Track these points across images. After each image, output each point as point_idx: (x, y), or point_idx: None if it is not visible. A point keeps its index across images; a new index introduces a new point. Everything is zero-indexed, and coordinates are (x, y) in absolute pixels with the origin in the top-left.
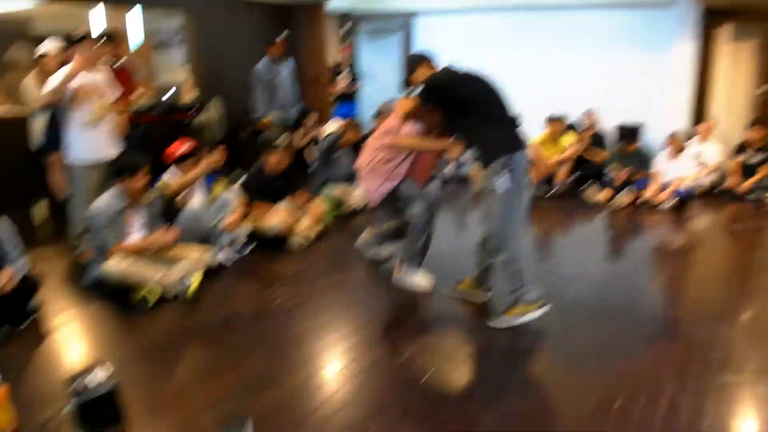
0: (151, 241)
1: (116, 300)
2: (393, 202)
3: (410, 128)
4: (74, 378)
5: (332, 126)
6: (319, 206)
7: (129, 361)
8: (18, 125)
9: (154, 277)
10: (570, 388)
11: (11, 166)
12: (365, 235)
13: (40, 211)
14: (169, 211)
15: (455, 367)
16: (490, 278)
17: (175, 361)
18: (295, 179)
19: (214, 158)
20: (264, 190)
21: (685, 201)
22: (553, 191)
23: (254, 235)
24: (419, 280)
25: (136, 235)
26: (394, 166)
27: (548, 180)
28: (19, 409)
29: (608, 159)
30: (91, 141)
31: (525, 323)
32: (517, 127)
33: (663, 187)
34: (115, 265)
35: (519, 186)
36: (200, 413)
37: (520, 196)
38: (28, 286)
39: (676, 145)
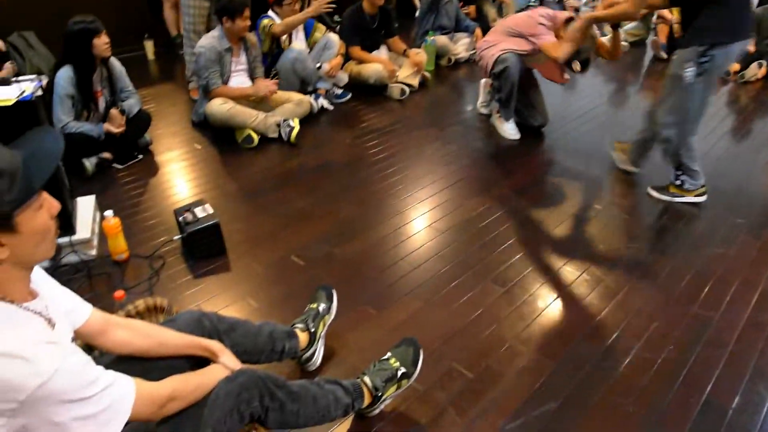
0: (254, 90)
1: (221, 139)
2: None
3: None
4: (181, 211)
5: None
6: (420, 55)
7: (231, 198)
8: None
9: (256, 119)
10: (661, 265)
11: (124, 4)
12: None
13: (150, 49)
14: (272, 52)
15: (544, 235)
16: (640, 153)
17: (272, 202)
18: (391, 23)
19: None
20: (360, 33)
21: None
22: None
23: (353, 82)
24: (509, 129)
25: (238, 77)
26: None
27: (675, 42)
28: (130, 238)
29: None
30: None
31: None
32: (746, 12)
33: None
34: (219, 106)
35: (707, 83)
36: (293, 253)
37: (704, 92)
38: (140, 122)
39: None
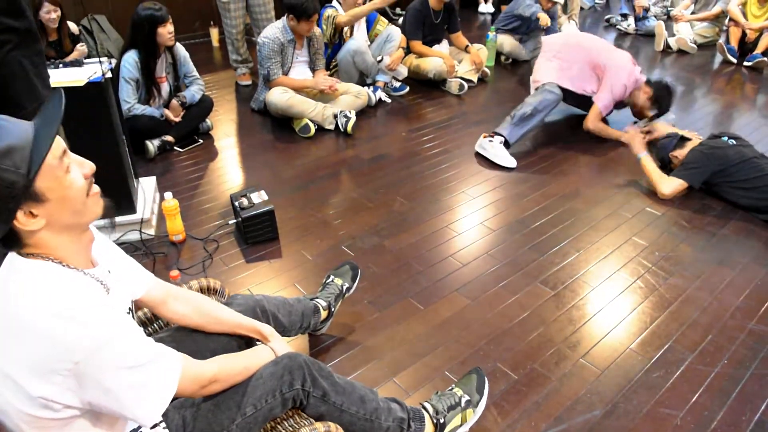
0: (314, 83)
1: (279, 127)
2: None
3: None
4: (237, 196)
5: None
6: (482, 52)
7: (285, 186)
8: None
9: (315, 110)
10: (720, 277)
11: None
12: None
13: (215, 36)
14: (332, 42)
15: (598, 239)
16: None
17: (326, 192)
18: (455, 18)
19: None
20: (424, 27)
21: None
22: (751, 61)
23: (411, 76)
24: (506, 158)
25: (299, 68)
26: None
27: (747, 47)
28: (187, 220)
29: None
30: None
31: None
32: None
33: None
34: (279, 96)
35: None
36: (343, 243)
37: None
38: (203, 108)
39: None
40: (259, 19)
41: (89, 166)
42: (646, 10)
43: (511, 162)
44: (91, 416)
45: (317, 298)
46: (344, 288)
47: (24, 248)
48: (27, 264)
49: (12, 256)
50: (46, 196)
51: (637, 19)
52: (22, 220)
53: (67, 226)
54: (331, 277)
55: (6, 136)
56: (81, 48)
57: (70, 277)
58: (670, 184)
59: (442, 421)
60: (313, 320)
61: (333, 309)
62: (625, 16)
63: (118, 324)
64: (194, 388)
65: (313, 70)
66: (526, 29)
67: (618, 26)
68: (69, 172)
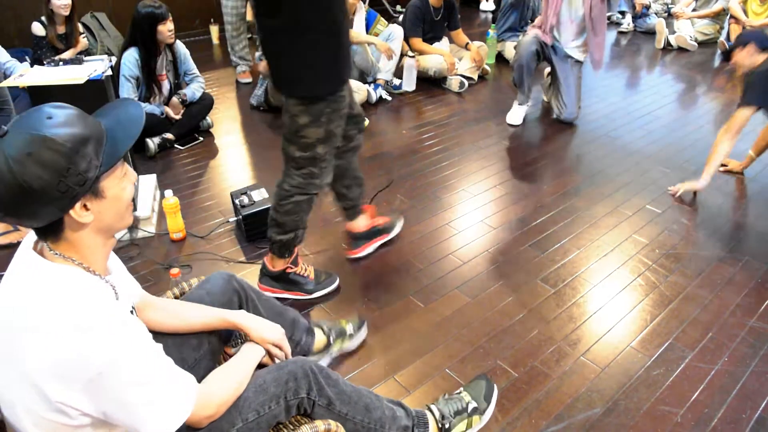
0: None
1: (280, 123)
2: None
3: None
4: (238, 194)
5: None
6: (482, 49)
7: None
8: None
9: None
10: (721, 274)
11: None
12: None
13: (215, 33)
14: None
15: (598, 237)
16: None
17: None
18: (455, 15)
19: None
20: (424, 24)
21: None
22: None
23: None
24: (510, 114)
25: None
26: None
27: None
28: (187, 218)
29: None
30: None
31: None
32: None
33: None
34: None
35: None
36: (343, 241)
37: None
38: (203, 106)
39: None
40: None
41: (135, 177)
42: (647, 7)
43: (512, 121)
44: (102, 426)
45: (318, 324)
46: (348, 330)
47: (56, 241)
48: (51, 267)
49: (32, 255)
50: (104, 194)
51: (636, 17)
52: (77, 211)
53: (107, 227)
54: (341, 321)
55: (84, 125)
56: (83, 40)
57: (92, 285)
58: (732, 124)
59: (447, 426)
60: (305, 339)
61: (331, 341)
62: (623, 14)
63: (139, 340)
64: (207, 412)
65: None
66: (525, 23)
67: (618, 23)
68: (126, 176)
